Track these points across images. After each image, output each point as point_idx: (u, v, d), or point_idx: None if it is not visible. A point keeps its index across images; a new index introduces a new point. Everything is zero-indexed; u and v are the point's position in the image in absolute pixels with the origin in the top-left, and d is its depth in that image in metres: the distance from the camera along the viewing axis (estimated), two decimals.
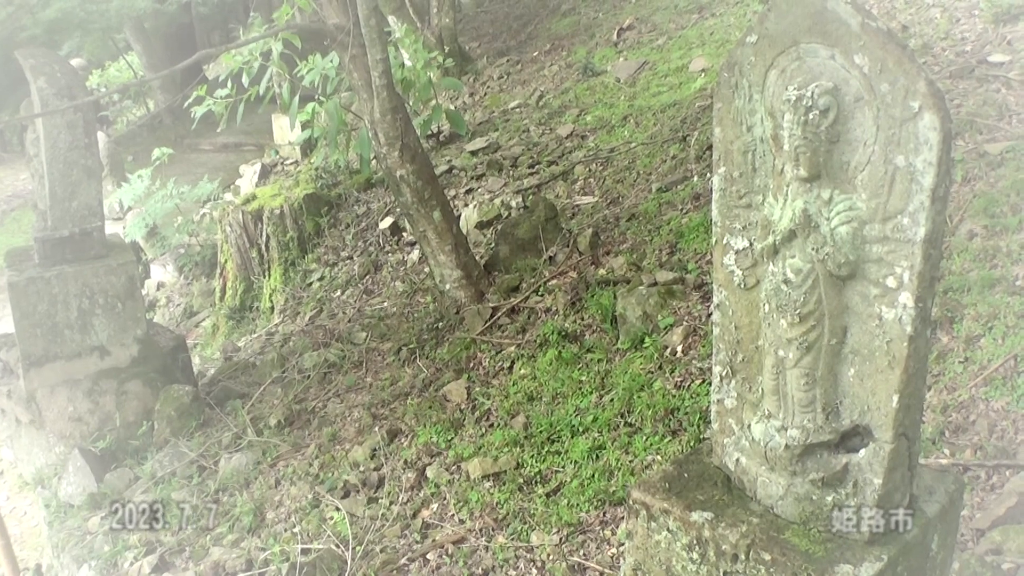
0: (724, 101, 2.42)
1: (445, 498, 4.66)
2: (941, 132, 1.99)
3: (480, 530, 4.36)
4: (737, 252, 2.51)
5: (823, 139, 2.17)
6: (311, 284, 8.18)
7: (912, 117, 2.02)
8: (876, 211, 2.15)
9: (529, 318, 5.97)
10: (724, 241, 2.54)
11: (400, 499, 4.75)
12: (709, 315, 4.96)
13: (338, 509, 4.76)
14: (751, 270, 2.49)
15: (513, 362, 5.62)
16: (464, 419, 5.27)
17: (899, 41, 2.06)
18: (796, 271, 2.31)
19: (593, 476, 4.41)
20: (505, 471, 4.66)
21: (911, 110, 2.02)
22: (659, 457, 4.37)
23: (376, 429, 5.39)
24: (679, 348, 5.05)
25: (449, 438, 5.12)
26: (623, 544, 3.74)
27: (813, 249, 2.26)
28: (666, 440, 4.46)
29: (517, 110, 10.10)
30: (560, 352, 5.44)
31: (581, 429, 4.78)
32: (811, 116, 2.16)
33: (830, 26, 2.12)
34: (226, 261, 8.92)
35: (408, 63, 8.70)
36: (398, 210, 7.82)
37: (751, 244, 2.46)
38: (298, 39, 6.77)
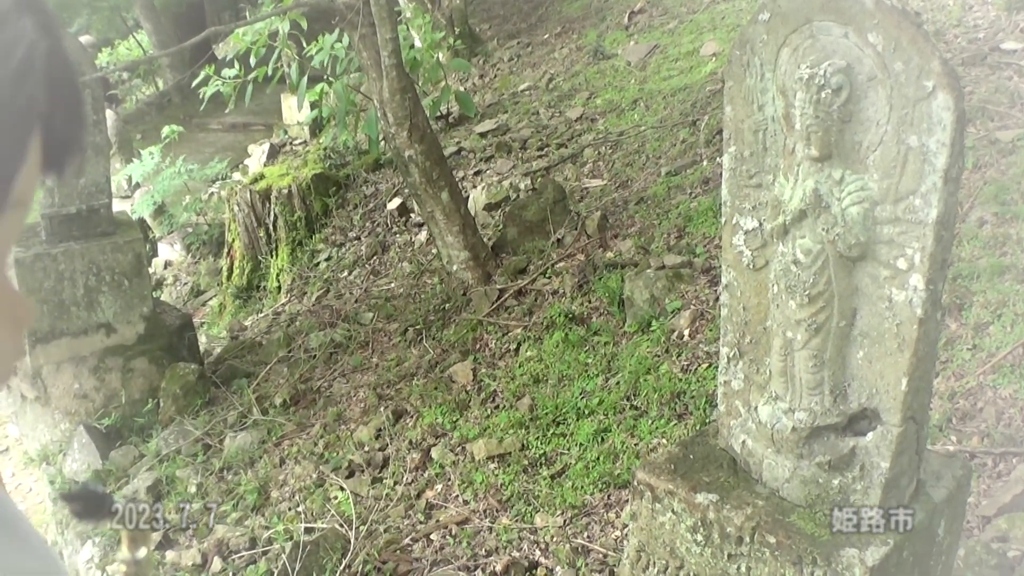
0: (735, 80, 2.39)
1: (449, 479, 4.66)
2: (955, 112, 1.97)
3: (484, 511, 4.36)
4: (747, 232, 2.49)
5: (835, 118, 2.14)
6: (318, 264, 8.16)
7: (926, 97, 1.99)
8: (888, 192, 2.12)
9: (536, 300, 5.96)
10: (734, 221, 2.52)
11: (404, 479, 4.75)
12: (717, 299, 4.94)
13: (342, 489, 4.76)
14: (760, 251, 2.47)
15: (519, 344, 5.61)
16: (470, 400, 5.26)
17: (913, 20, 2.03)
18: (806, 252, 2.29)
19: (598, 459, 4.40)
20: (510, 453, 4.66)
21: (925, 90, 1.99)
22: (664, 440, 4.36)
23: (381, 409, 5.39)
24: (686, 332, 5.04)
25: (454, 419, 5.12)
26: (627, 526, 3.73)
27: (823, 230, 2.23)
28: (672, 423, 4.45)
29: (527, 92, 10.05)
30: (567, 334, 5.42)
31: (587, 412, 4.77)
32: (823, 95, 2.13)
33: (844, 3, 2.09)
34: (233, 240, 8.90)
35: (418, 44, 8.66)
36: (406, 191, 7.79)
37: (761, 224, 2.44)
38: (304, 20, 6.73)
